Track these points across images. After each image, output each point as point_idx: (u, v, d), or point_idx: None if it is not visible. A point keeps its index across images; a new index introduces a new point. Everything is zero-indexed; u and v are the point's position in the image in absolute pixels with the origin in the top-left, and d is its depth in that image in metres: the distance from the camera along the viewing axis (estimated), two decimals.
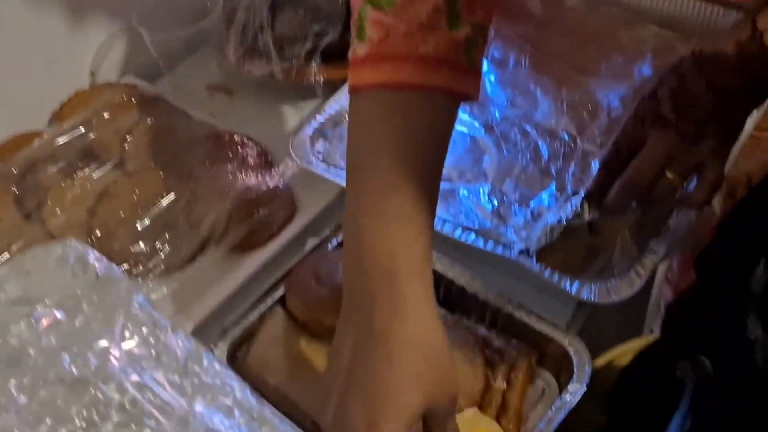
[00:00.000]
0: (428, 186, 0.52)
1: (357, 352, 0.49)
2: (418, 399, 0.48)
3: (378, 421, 0.46)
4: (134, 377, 0.48)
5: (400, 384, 0.47)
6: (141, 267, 0.76)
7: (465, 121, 0.83)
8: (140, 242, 0.77)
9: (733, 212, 0.63)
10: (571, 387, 0.62)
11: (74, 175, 0.83)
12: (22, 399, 0.47)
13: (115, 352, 0.49)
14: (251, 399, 0.48)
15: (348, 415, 0.47)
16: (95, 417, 0.46)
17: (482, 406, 0.62)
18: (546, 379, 0.67)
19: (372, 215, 0.50)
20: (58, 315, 0.52)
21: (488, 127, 0.82)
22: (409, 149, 0.50)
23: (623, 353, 0.88)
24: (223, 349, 0.68)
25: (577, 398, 0.61)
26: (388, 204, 0.50)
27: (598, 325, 0.75)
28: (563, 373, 0.66)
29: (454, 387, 0.51)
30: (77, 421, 0.46)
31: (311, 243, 0.76)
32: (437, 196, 0.53)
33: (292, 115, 0.95)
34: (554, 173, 0.77)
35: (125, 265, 0.76)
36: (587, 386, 0.62)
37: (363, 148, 0.52)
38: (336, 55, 0.92)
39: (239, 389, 0.48)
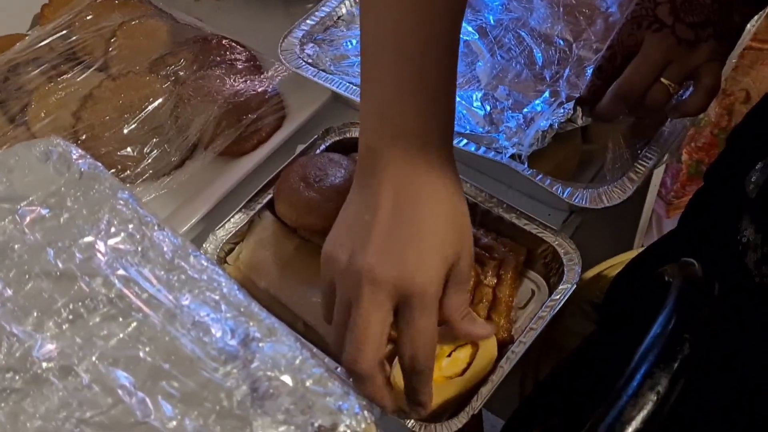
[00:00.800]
0: (449, 54, 0.52)
1: (397, 203, 0.50)
2: (450, 254, 0.50)
3: (424, 257, 0.49)
4: (120, 272, 0.47)
5: (438, 233, 0.50)
6: (128, 171, 0.76)
7: None
8: (127, 146, 0.76)
9: (741, 125, 0.62)
10: (561, 286, 0.62)
11: (58, 78, 0.81)
12: (8, 292, 0.47)
13: (100, 247, 0.49)
14: (238, 294, 0.47)
15: (394, 253, 0.49)
16: (82, 310, 0.46)
17: (473, 302, 0.62)
18: (536, 280, 0.67)
19: (393, 87, 0.51)
20: (43, 211, 0.52)
21: (482, 32, 0.80)
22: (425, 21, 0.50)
23: (613, 266, 0.88)
24: (212, 252, 0.68)
25: (567, 297, 0.61)
26: (408, 75, 0.51)
27: (589, 238, 0.75)
28: (553, 275, 0.66)
29: (472, 254, 0.53)
30: (64, 314, 0.46)
31: (300, 148, 0.75)
32: (456, 64, 0.53)
33: (281, 18, 0.92)
34: (548, 79, 0.76)
35: (112, 170, 0.75)
36: (576, 286, 0.62)
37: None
38: None
39: (226, 285, 0.48)
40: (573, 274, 0.63)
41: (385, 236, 0.50)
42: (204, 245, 0.68)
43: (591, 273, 0.89)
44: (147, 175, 0.76)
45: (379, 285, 0.48)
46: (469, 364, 0.58)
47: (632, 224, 1.08)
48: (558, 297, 0.62)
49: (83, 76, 0.81)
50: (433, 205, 0.51)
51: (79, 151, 0.56)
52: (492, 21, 0.80)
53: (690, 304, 0.50)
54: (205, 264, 0.49)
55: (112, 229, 0.50)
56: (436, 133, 0.52)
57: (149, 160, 0.76)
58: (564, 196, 0.66)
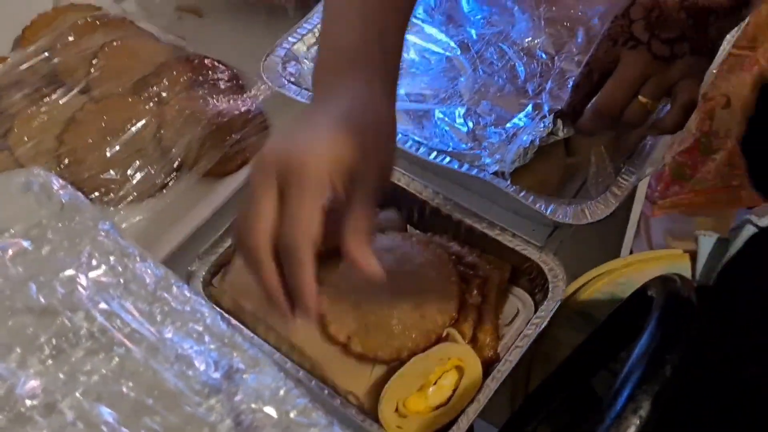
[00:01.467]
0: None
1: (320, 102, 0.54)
2: (350, 146, 0.48)
3: (315, 142, 0.48)
4: (102, 305, 0.47)
5: (342, 130, 0.49)
6: (112, 194, 0.75)
7: (441, 41, 0.81)
8: (110, 169, 0.76)
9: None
10: (546, 303, 0.62)
11: (40, 102, 0.81)
12: None
13: (82, 280, 0.49)
14: (222, 325, 0.47)
15: (290, 136, 0.49)
16: (64, 345, 0.46)
17: (458, 321, 0.63)
18: (521, 296, 0.67)
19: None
20: (24, 244, 0.52)
21: (464, 47, 0.80)
22: None
23: (600, 274, 0.88)
24: (198, 275, 0.68)
25: (551, 314, 0.62)
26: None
27: (575, 251, 0.75)
28: (538, 291, 0.66)
29: (388, 160, 0.53)
30: (47, 350, 0.46)
31: None
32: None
33: (263, 37, 0.91)
34: (531, 92, 0.76)
35: (96, 193, 0.75)
36: (561, 303, 0.62)
37: None
38: None
39: (209, 316, 0.48)
40: (558, 290, 0.63)
41: (295, 126, 0.51)
42: (189, 267, 0.68)
43: (578, 283, 0.89)
44: (131, 197, 0.76)
45: (266, 163, 0.48)
46: (455, 391, 0.58)
47: (619, 233, 1.08)
48: (543, 314, 0.62)
49: (66, 98, 0.81)
50: (352, 107, 0.51)
51: (60, 181, 0.56)
52: (474, 35, 0.80)
53: (671, 322, 0.51)
54: (188, 295, 0.49)
55: (93, 262, 0.50)
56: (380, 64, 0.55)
57: (133, 183, 0.76)
58: (547, 212, 0.66)
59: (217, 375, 0.45)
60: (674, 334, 0.49)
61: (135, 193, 0.76)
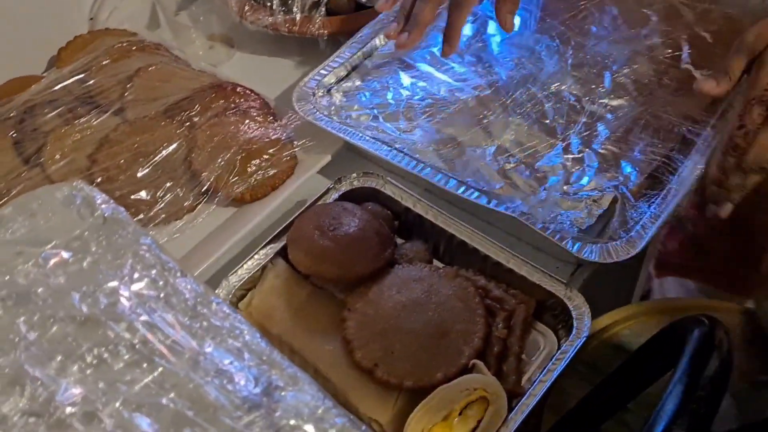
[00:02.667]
0: None
1: None
2: None
3: None
4: (144, 317, 0.48)
5: None
6: (141, 215, 0.76)
7: (471, 81, 0.83)
8: (141, 190, 0.77)
9: None
10: (571, 338, 0.63)
11: (74, 121, 0.82)
12: (32, 335, 0.47)
13: (124, 292, 0.49)
14: (261, 342, 0.48)
15: None
16: (106, 355, 0.46)
17: (484, 354, 0.63)
18: (544, 332, 0.68)
19: None
20: (66, 256, 0.52)
21: (494, 88, 0.82)
22: None
23: (607, 326, 0.88)
24: (224, 298, 0.68)
25: (575, 350, 0.62)
26: None
27: (592, 290, 0.76)
28: (561, 327, 0.67)
29: None
30: (88, 358, 0.46)
31: (312, 197, 0.76)
32: None
33: (294, 68, 0.94)
34: (560, 133, 0.77)
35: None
36: (586, 338, 0.63)
37: None
38: (340, 8, 0.91)
39: (248, 332, 0.48)
40: (583, 326, 0.64)
41: None
42: (216, 290, 0.68)
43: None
44: (160, 219, 0.77)
45: None
46: (479, 421, 0.58)
47: (632, 277, 1.09)
48: (569, 349, 0.62)
49: (99, 119, 0.82)
50: None
51: (103, 195, 0.56)
52: (504, 77, 0.82)
53: (703, 360, 0.51)
54: (227, 311, 0.50)
55: (136, 275, 0.51)
56: None
57: (162, 204, 0.77)
58: (574, 250, 0.67)
59: (257, 391, 0.45)
60: (705, 373, 0.50)
61: (163, 215, 0.77)
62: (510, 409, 0.60)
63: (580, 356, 0.68)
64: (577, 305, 0.65)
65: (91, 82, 0.86)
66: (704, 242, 0.98)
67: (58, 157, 0.79)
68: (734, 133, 0.66)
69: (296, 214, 0.72)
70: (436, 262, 0.73)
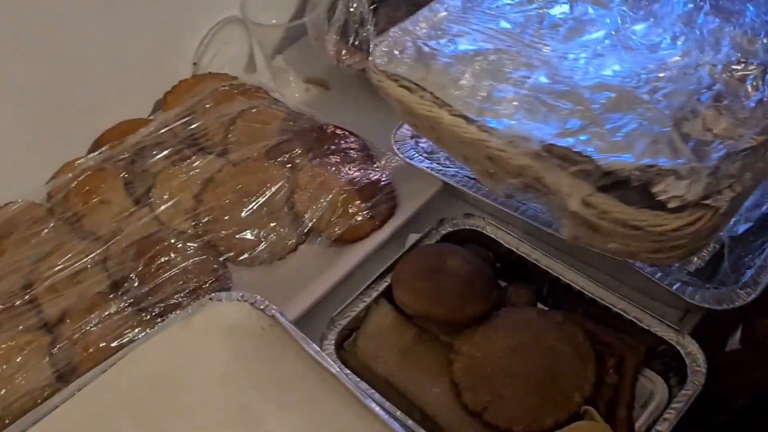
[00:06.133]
0: None
1: None
2: None
3: None
4: None
5: None
6: (246, 254, 0.78)
7: None
8: (245, 230, 0.79)
9: None
10: (686, 388, 0.61)
11: (180, 162, 0.85)
12: None
13: None
14: None
15: None
16: None
17: (595, 400, 0.62)
18: (654, 379, 0.66)
19: None
20: None
21: None
22: None
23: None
24: (330, 338, 0.69)
25: (692, 399, 0.60)
26: None
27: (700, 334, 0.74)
28: (673, 375, 0.65)
29: None
30: None
31: (412, 238, 0.76)
32: None
33: (390, 111, 0.95)
34: None
35: (231, 253, 0.78)
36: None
37: None
38: None
39: None
40: (699, 375, 0.62)
41: None
42: (322, 331, 0.69)
43: None
44: (263, 258, 0.78)
45: None
46: None
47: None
48: (685, 398, 0.61)
49: (204, 160, 0.85)
50: None
51: None
52: None
53: None
54: None
55: None
56: None
57: (266, 244, 0.79)
58: (685, 296, 0.66)
59: None
60: None
61: (267, 255, 0.78)
62: None
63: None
64: (691, 352, 0.64)
65: (195, 124, 0.88)
66: None
67: (166, 197, 0.82)
68: None
69: (399, 254, 0.73)
70: (539, 306, 0.72)
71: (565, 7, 0.73)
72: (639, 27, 0.69)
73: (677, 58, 0.64)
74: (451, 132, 0.66)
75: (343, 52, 0.94)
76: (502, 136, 0.62)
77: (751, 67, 0.62)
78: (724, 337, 1.02)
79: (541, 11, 0.73)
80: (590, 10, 0.72)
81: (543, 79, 0.65)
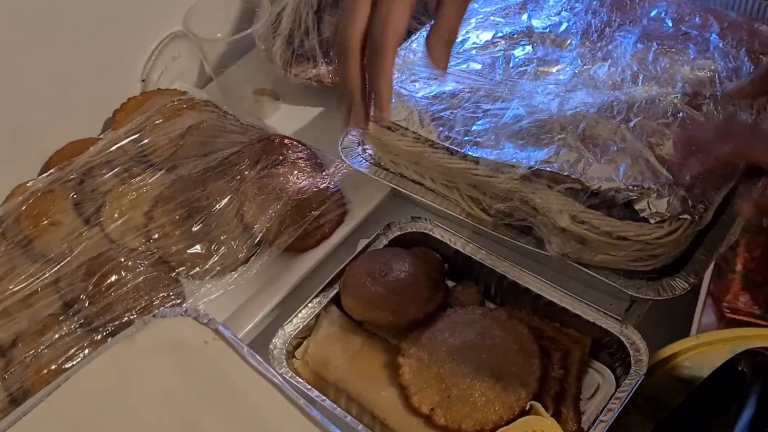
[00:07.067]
0: None
1: None
2: None
3: None
4: None
5: None
6: (197, 268, 0.78)
7: None
8: (196, 244, 0.79)
9: None
10: (629, 377, 0.62)
11: (130, 180, 0.85)
12: None
13: None
14: None
15: None
16: None
17: (540, 395, 0.63)
18: (602, 371, 0.67)
19: None
20: None
21: None
22: None
23: (664, 357, 0.87)
24: (281, 348, 0.69)
25: (635, 388, 0.61)
26: None
27: (648, 325, 0.75)
28: (619, 365, 0.66)
29: None
30: None
31: (362, 243, 0.77)
32: None
33: (338, 118, 0.96)
34: None
35: (182, 267, 0.78)
36: (644, 376, 0.62)
37: None
38: None
39: None
40: (641, 364, 0.63)
41: None
42: (273, 340, 0.70)
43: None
44: (215, 271, 0.79)
45: None
46: None
47: (689, 309, 1.07)
48: (627, 388, 0.62)
49: (154, 177, 0.85)
50: None
51: None
52: None
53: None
54: None
55: None
56: None
57: (217, 257, 0.79)
58: (627, 289, 0.67)
59: None
60: None
61: (218, 268, 0.79)
62: None
63: (641, 390, 0.67)
64: (634, 342, 0.65)
65: (145, 141, 0.89)
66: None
67: (116, 215, 0.82)
68: None
69: (347, 261, 0.73)
70: (488, 304, 0.73)
71: (528, 48, 0.79)
72: (600, 67, 0.76)
73: (642, 92, 0.72)
74: (435, 163, 0.73)
75: (290, 62, 0.95)
76: (489, 164, 0.69)
77: (704, 99, 0.71)
78: None
79: (506, 53, 0.79)
80: (551, 51, 0.78)
81: (521, 111, 0.71)
